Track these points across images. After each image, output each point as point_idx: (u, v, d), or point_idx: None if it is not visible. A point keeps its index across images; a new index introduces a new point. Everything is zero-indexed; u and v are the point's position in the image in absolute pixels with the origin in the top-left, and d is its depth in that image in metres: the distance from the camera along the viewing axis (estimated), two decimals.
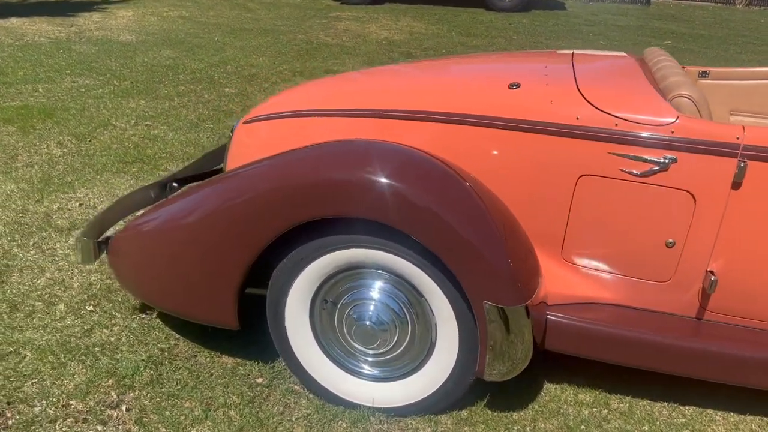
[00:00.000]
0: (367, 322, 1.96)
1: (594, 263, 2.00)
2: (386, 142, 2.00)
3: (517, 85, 2.04)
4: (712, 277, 1.85)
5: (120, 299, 2.64)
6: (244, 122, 2.69)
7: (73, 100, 5.30)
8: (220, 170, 3.17)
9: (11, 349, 2.30)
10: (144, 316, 2.54)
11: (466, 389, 1.97)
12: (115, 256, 2.25)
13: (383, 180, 1.78)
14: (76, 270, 2.85)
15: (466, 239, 1.74)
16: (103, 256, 2.30)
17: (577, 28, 10.34)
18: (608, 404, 2.16)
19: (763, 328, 1.91)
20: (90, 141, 4.42)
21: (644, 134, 1.83)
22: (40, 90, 5.52)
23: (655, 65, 2.21)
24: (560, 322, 1.91)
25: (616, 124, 1.86)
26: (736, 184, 1.77)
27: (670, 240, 1.89)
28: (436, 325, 1.93)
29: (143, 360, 2.28)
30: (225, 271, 1.98)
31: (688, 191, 1.83)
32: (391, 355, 2.02)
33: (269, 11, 10.45)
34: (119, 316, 2.53)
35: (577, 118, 1.90)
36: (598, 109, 1.88)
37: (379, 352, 2.02)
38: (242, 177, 2.01)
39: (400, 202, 1.76)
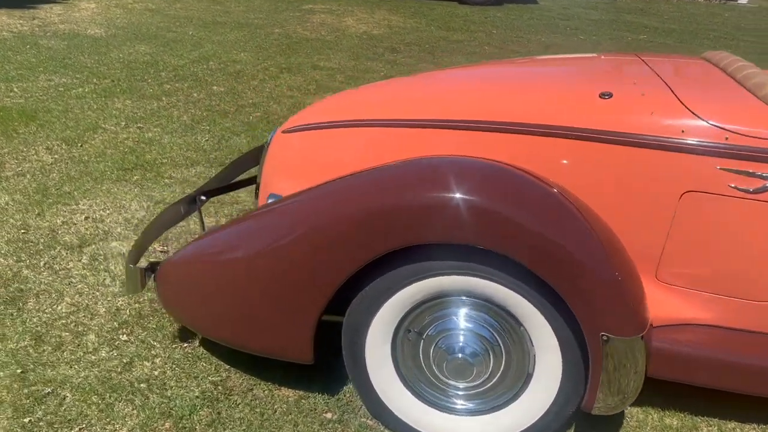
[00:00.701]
0: (459, 355, 1.81)
1: (692, 283, 1.89)
2: (479, 158, 1.85)
3: (609, 95, 1.91)
4: None
5: (154, 326, 2.43)
6: (284, 131, 2.50)
7: (53, 100, 4.96)
8: (246, 182, 2.97)
9: (48, 389, 2.07)
10: (185, 345, 2.34)
11: (565, 423, 1.85)
12: (166, 284, 2.04)
13: (489, 202, 1.64)
14: (98, 293, 2.62)
15: (582, 267, 1.61)
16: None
17: (552, 22, 10.33)
18: (697, 428, 2.07)
19: None
20: (81, 146, 4.13)
21: (758, 148, 1.73)
22: (15, 90, 5.15)
23: (737, 71, 2.11)
24: (665, 348, 1.80)
25: (727, 138, 1.75)
26: None
27: None
28: (534, 355, 1.79)
29: (197, 397, 2.08)
30: (303, 304, 1.80)
31: None
32: (482, 388, 1.88)
33: (239, 4, 10.11)
34: (158, 345, 2.32)
35: (683, 131, 1.78)
36: (706, 122, 1.77)
37: (469, 385, 1.88)
38: (321, 200, 1.82)
39: (511, 228, 1.62)
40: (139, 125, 4.59)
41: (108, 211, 3.31)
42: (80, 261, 2.85)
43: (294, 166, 2.45)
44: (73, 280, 2.70)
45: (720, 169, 1.76)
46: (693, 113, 1.79)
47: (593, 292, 1.61)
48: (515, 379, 1.85)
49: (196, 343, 2.34)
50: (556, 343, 1.73)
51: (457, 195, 1.65)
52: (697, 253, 1.84)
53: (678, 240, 1.84)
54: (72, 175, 3.69)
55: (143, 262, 2.16)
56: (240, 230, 1.94)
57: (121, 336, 2.36)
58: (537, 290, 1.68)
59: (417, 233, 1.68)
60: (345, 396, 2.12)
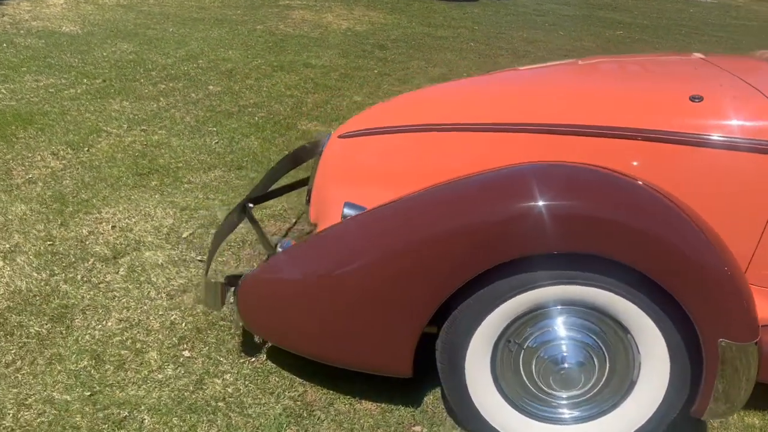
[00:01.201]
0: (565, 365, 1.79)
1: None
2: (579, 164, 1.83)
3: (700, 98, 1.91)
4: None
5: (214, 340, 2.34)
6: (341, 136, 2.43)
7: (47, 102, 4.75)
8: (289, 187, 2.90)
9: (124, 412, 1.97)
10: (252, 359, 2.26)
11: (666, 428, 1.85)
12: (249, 299, 1.96)
13: (610, 210, 1.63)
14: (146, 307, 2.51)
15: (702, 272, 1.61)
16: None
17: (529, 18, 10.42)
18: None
19: None
20: (88, 150, 3.97)
21: None
22: (3, 91, 4.92)
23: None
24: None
25: None
26: None
27: None
28: (640, 363, 1.79)
29: (280, 414, 2.01)
30: (407, 319, 1.76)
31: None
32: (583, 398, 1.86)
33: None
34: (224, 361, 2.24)
35: None
36: None
37: (572, 394, 1.86)
38: (427, 212, 1.77)
39: (631, 235, 1.60)
40: (142, 128, 4.44)
41: (134, 219, 3.18)
42: (118, 273, 2.73)
43: (357, 173, 2.39)
44: (117, 294, 2.58)
45: None
46: None
47: (713, 297, 1.61)
48: (618, 387, 1.83)
49: (263, 356, 2.27)
50: (665, 350, 1.73)
51: (574, 202, 1.62)
52: None
53: None
54: (86, 182, 3.54)
55: (220, 276, 2.07)
56: (335, 244, 1.87)
57: (183, 352, 2.27)
58: (649, 297, 1.67)
59: (527, 244, 1.65)
60: (429, 407, 2.08)
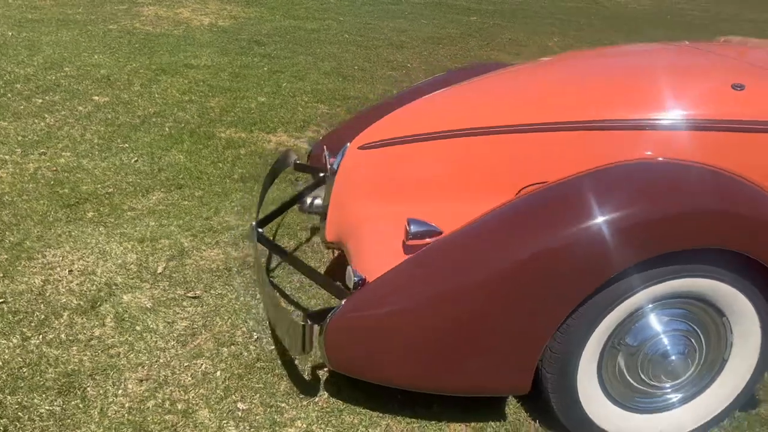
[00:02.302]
0: (673, 357, 1.84)
1: None
2: (685, 160, 1.87)
3: (741, 87, 2.04)
4: None
5: (261, 384, 2.12)
6: (361, 147, 2.29)
7: None
8: (291, 202, 2.68)
9: None
10: (316, 398, 2.07)
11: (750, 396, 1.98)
12: (343, 336, 1.78)
13: (715, 202, 1.68)
14: (162, 360, 2.21)
15: None
16: None
17: (387, 8, 10.54)
18: None
19: None
20: None
21: None
22: None
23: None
24: None
25: None
26: None
27: None
28: (731, 343, 1.88)
29: None
30: (533, 335, 1.70)
31: None
32: (686, 381, 1.93)
33: None
34: (286, 406, 2.04)
35: None
36: None
37: (676, 383, 1.92)
38: (538, 225, 1.70)
39: (736, 222, 1.69)
40: (41, 151, 3.87)
41: (90, 260, 2.77)
42: (105, 325, 2.36)
43: (386, 186, 2.27)
44: (120, 350, 2.23)
45: None
46: None
47: None
48: (709, 369, 1.92)
49: (324, 394, 2.09)
50: (759, 329, 1.83)
51: (710, 201, 1.67)
52: None
53: None
54: (7, 222, 3.01)
55: (299, 318, 1.85)
56: (442, 266, 1.75)
57: (237, 404, 2.02)
58: (748, 279, 1.76)
59: (648, 248, 1.66)
60: (516, 418, 2.04)
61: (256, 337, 2.35)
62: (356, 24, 8.83)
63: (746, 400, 1.99)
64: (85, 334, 2.30)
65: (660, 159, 1.91)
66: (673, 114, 2.01)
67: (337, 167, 2.35)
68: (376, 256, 1.99)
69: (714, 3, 15.14)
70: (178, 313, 2.47)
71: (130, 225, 3.09)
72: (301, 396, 2.07)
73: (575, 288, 1.66)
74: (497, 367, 1.75)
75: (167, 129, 4.39)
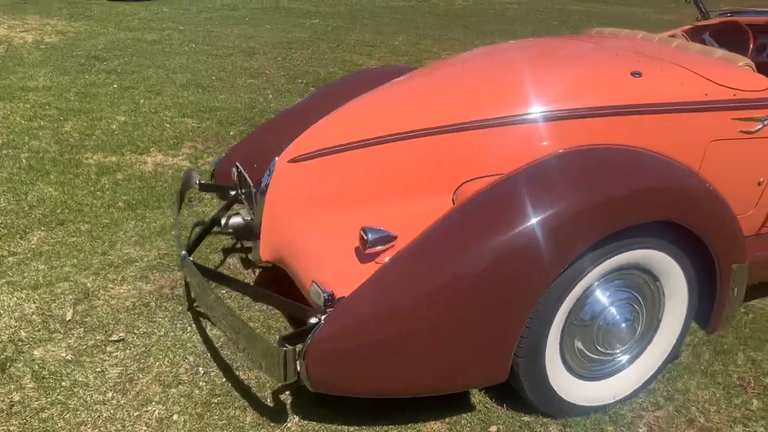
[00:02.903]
0: (623, 324, 2.00)
1: None
2: (624, 145, 2.02)
3: (639, 74, 2.25)
4: None
5: (226, 420, 1.99)
6: (291, 161, 2.25)
7: None
8: (212, 224, 2.55)
9: None
10: (288, 424, 1.99)
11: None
12: (327, 355, 1.72)
13: (682, 187, 1.87)
14: (108, 414, 2.00)
15: (718, 212, 1.95)
16: None
17: (226, 14, 10.26)
18: None
19: None
20: None
21: (755, 99, 2.28)
22: None
23: (669, 41, 2.66)
24: None
25: (734, 95, 2.26)
26: None
27: (761, 179, 2.41)
28: (664, 303, 2.09)
29: None
30: (508, 325, 1.76)
31: None
32: (627, 347, 2.10)
33: None
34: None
35: (706, 95, 2.24)
36: (718, 84, 2.25)
37: (625, 347, 2.08)
38: (514, 219, 1.74)
39: (692, 200, 1.88)
40: None
41: None
42: (23, 387, 2.10)
43: (324, 196, 2.24)
44: (52, 413, 1.99)
45: (733, 119, 2.27)
46: (707, 78, 2.25)
47: (726, 232, 1.97)
48: (647, 330, 2.11)
49: (294, 418, 2.02)
50: (686, 287, 2.05)
51: (662, 178, 1.85)
52: (719, 186, 2.29)
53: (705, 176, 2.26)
54: None
55: (274, 342, 1.76)
56: (416, 271, 1.75)
57: None
58: (674, 243, 1.96)
59: (598, 230, 1.79)
60: (485, 407, 2.10)
61: (202, 371, 2.21)
62: (199, 32, 8.51)
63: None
64: (3, 401, 2.03)
65: (592, 145, 2.05)
66: (583, 102, 2.17)
67: (267, 183, 2.27)
68: (339, 269, 1.95)
69: None
70: (105, 360, 2.25)
71: (16, 272, 2.75)
72: (272, 424, 1.98)
73: (541, 278, 1.75)
74: (479, 362, 1.80)
75: (24, 161, 3.96)
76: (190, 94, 5.63)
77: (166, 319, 2.50)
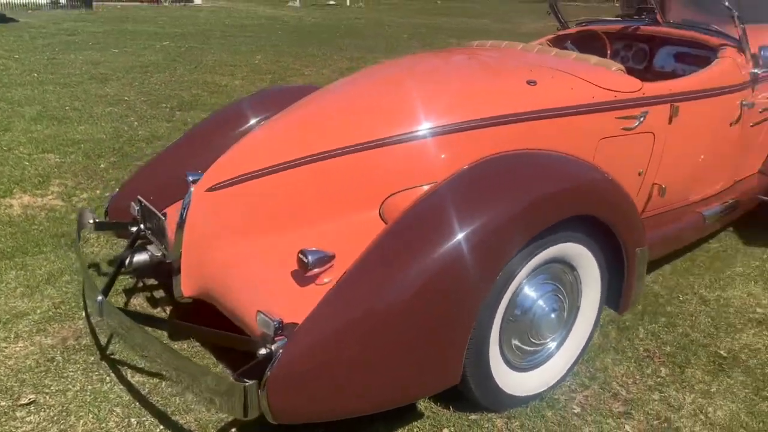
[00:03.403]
0: (552, 315, 2.14)
1: None
2: (534, 150, 2.15)
3: (534, 82, 2.43)
4: (663, 186, 2.75)
5: None
6: (209, 190, 2.18)
7: None
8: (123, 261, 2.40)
9: None
10: None
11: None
12: (290, 383, 1.67)
13: (591, 182, 2.03)
14: None
15: (623, 202, 2.15)
16: None
17: (65, 39, 9.59)
18: None
19: (675, 208, 2.94)
20: None
21: (633, 99, 2.54)
22: None
23: (546, 52, 2.88)
24: None
25: (616, 96, 2.51)
26: (670, 120, 2.69)
27: (641, 170, 2.69)
28: (581, 291, 2.26)
29: None
30: (458, 331, 1.83)
31: (652, 133, 2.64)
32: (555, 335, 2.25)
33: None
34: None
35: (593, 98, 2.46)
36: (601, 88, 2.48)
37: (554, 336, 2.22)
38: (443, 235, 1.79)
39: (600, 193, 2.06)
40: None
41: None
42: None
43: (249, 221, 2.20)
44: None
45: (617, 118, 2.52)
46: (591, 83, 2.48)
47: (629, 219, 2.17)
48: (570, 316, 2.28)
49: None
50: (599, 275, 2.24)
51: (578, 178, 2.01)
52: None
53: None
54: None
55: (230, 378, 1.69)
56: (368, 288, 1.75)
57: None
58: (589, 236, 2.14)
59: (535, 226, 1.92)
60: (433, 412, 2.16)
61: (135, 422, 2.07)
62: (39, 60, 7.90)
63: None
64: None
65: (508, 152, 2.18)
66: (487, 112, 2.30)
67: (185, 215, 2.17)
68: (283, 295, 1.92)
69: (374, 11, 16.91)
70: (19, 427, 2.04)
71: None
72: None
73: (481, 285, 1.83)
74: (434, 370, 1.84)
75: None
76: (44, 128, 5.21)
77: (78, 372, 2.31)
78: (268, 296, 1.95)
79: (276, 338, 1.77)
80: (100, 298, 2.13)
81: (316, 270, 1.93)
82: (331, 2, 21.87)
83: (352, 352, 1.72)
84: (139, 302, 2.77)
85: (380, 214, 2.21)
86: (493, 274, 1.87)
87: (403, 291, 1.75)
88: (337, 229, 2.17)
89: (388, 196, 2.23)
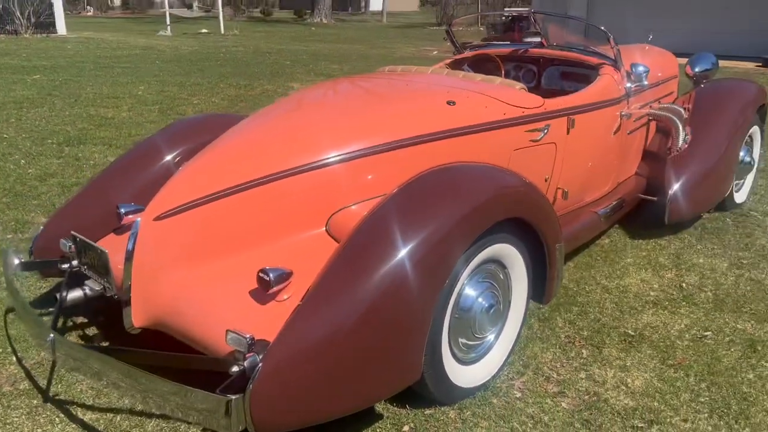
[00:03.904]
0: (491, 310, 2.36)
1: None
2: (464, 162, 2.39)
3: (454, 102, 2.67)
4: (565, 190, 3.09)
5: None
6: (157, 218, 2.23)
7: None
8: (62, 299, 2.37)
9: None
10: None
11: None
12: (274, 391, 1.75)
13: (517, 187, 2.28)
14: None
15: (543, 205, 2.42)
16: None
17: None
18: None
19: (575, 209, 3.30)
20: None
21: (538, 114, 2.85)
22: None
23: (454, 74, 3.15)
24: None
25: (523, 112, 2.80)
26: (568, 131, 3.03)
27: (546, 176, 3.01)
28: (512, 287, 2.51)
29: None
30: (417, 330, 2.00)
31: (554, 143, 2.97)
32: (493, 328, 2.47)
33: None
34: None
35: (504, 114, 2.74)
36: (511, 105, 2.77)
37: (493, 329, 2.44)
38: (390, 248, 1.95)
39: (524, 197, 2.32)
40: None
41: None
42: None
43: (201, 246, 2.26)
44: None
45: (526, 131, 2.81)
46: (502, 101, 2.76)
47: (549, 218, 2.44)
48: (504, 305, 2.51)
49: None
50: (525, 272, 2.50)
51: (507, 185, 2.26)
52: None
53: None
54: None
55: (215, 395, 1.74)
56: (336, 298, 1.86)
57: None
58: (516, 236, 2.40)
59: (474, 232, 2.14)
60: (392, 413, 2.30)
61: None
62: None
63: None
64: None
65: (440, 166, 2.36)
66: (414, 131, 2.51)
67: (132, 246, 2.19)
68: (248, 314, 2.00)
69: (250, 39, 16.90)
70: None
71: None
72: None
73: (433, 291, 2.02)
74: (399, 369, 1.98)
75: None
76: None
77: (23, 416, 2.23)
78: (233, 315, 2.02)
79: (247, 355, 1.85)
80: (51, 335, 2.09)
81: (277, 287, 2.03)
82: (204, 30, 21.57)
83: (326, 362, 1.84)
84: (75, 340, 2.70)
85: (327, 231, 2.35)
86: (442, 281, 2.06)
87: (365, 304, 1.89)
88: (288, 248, 2.28)
89: (333, 214, 2.37)
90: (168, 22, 20.33)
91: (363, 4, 49.96)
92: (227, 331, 1.90)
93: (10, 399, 2.32)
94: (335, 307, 1.89)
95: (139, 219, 2.22)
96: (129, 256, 2.18)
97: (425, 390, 2.21)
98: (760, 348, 2.68)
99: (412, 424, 2.23)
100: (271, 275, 2.01)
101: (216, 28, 21.78)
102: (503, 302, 2.48)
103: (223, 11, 23.12)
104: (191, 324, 2.11)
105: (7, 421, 2.21)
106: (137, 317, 2.21)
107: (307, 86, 3.33)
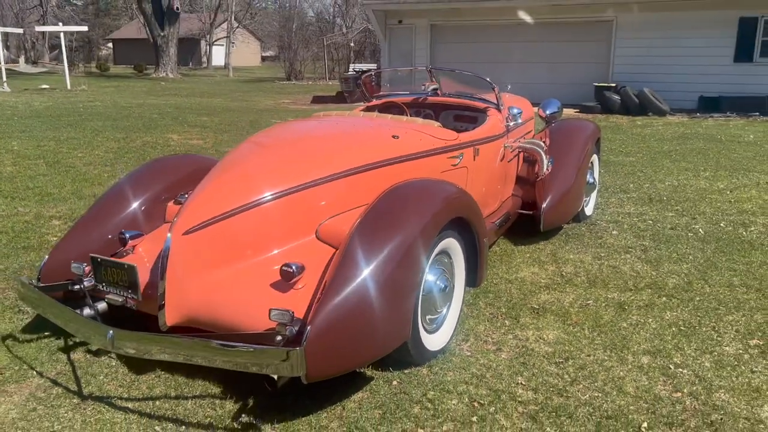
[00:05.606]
0: (447, 290, 3.09)
1: None
2: (423, 178, 3.13)
3: (397, 136, 3.43)
4: None
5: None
6: (186, 233, 2.75)
7: None
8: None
9: None
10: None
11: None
12: (325, 341, 2.34)
13: (458, 192, 3.06)
14: None
15: (475, 209, 3.24)
16: None
17: None
18: None
19: None
20: None
21: (454, 145, 3.68)
22: None
23: (382, 116, 3.93)
24: None
25: (446, 143, 3.63)
26: (475, 158, 3.91)
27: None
28: (455, 273, 3.27)
29: None
30: (411, 294, 2.69)
31: (466, 167, 3.82)
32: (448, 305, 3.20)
33: None
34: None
35: (434, 144, 3.54)
36: (437, 138, 3.58)
37: (446, 305, 3.17)
38: (382, 241, 2.63)
39: (463, 201, 3.10)
40: None
41: None
42: None
43: (227, 253, 2.80)
44: None
45: (448, 158, 3.65)
46: (430, 135, 3.58)
47: (479, 218, 3.25)
48: (451, 289, 3.26)
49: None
50: (463, 261, 3.28)
51: (456, 193, 2.99)
52: None
53: None
54: None
55: (282, 348, 2.28)
56: (355, 273, 2.50)
57: None
58: (457, 230, 3.17)
59: (442, 220, 2.89)
60: (382, 375, 2.93)
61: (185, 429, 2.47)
62: None
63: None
64: None
65: (402, 182, 3.07)
66: (368, 159, 3.22)
67: (166, 258, 2.67)
68: (280, 296, 2.58)
69: (102, 94, 16.61)
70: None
71: None
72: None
73: (416, 272, 2.72)
74: (399, 328, 2.62)
75: None
76: None
77: (70, 412, 2.58)
78: (266, 301, 2.58)
79: (287, 326, 2.44)
80: (110, 332, 2.51)
81: (297, 277, 2.63)
82: (45, 86, 20.76)
83: (354, 325, 2.47)
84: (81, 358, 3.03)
85: (317, 237, 2.98)
86: (422, 266, 2.77)
87: (376, 285, 2.53)
88: (290, 250, 2.89)
89: (320, 224, 3.01)
90: (4, 78, 19.36)
91: (205, 59, 50.00)
92: (270, 309, 2.46)
93: (49, 401, 2.64)
94: (354, 287, 2.52)
95: (169, 235, 2.71)
96: (163, 268, 2.66)
97: (406, 354, 2.88)
98: (626, 308, 3.66)
99: (398, 380, 2.88)
100: (293, 267, 2.61)
101: (58, 83, 21.05)
102: (451, 284, 3.23)
103: (62, 66, 22.32)
104: (225, 314, 2.63)
105: (58, 416, 2.55)
106: (170, 317, 2.68)
107: (282, 122, 3.92)
